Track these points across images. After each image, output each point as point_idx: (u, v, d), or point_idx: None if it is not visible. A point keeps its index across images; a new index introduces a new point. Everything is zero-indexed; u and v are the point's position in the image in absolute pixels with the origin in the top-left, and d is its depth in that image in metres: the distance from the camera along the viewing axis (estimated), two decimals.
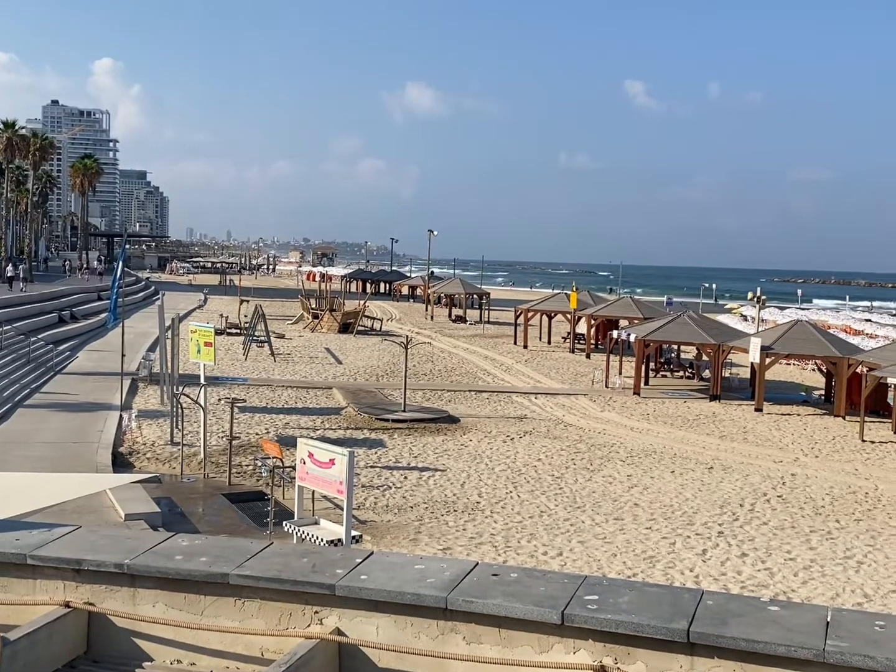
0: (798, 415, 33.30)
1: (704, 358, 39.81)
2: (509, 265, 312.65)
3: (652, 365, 41.55)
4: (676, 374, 42.64)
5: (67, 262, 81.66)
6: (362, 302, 60.99)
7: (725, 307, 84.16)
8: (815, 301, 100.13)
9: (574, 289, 52.43)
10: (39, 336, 36.66)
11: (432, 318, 68.54)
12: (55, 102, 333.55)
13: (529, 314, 51.60)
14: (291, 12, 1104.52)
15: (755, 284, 67.30)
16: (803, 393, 37.62)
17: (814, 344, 34.45)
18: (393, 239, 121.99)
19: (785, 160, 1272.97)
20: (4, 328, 33.90)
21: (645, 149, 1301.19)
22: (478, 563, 4.12)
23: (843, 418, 32.20)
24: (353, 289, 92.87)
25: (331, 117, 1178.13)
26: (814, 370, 44.40)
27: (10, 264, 58.49)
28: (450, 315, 69.84)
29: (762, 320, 54.20)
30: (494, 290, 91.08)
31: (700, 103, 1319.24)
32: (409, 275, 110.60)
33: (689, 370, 42.48)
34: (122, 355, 27.45)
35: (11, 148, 65.40)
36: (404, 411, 29.03)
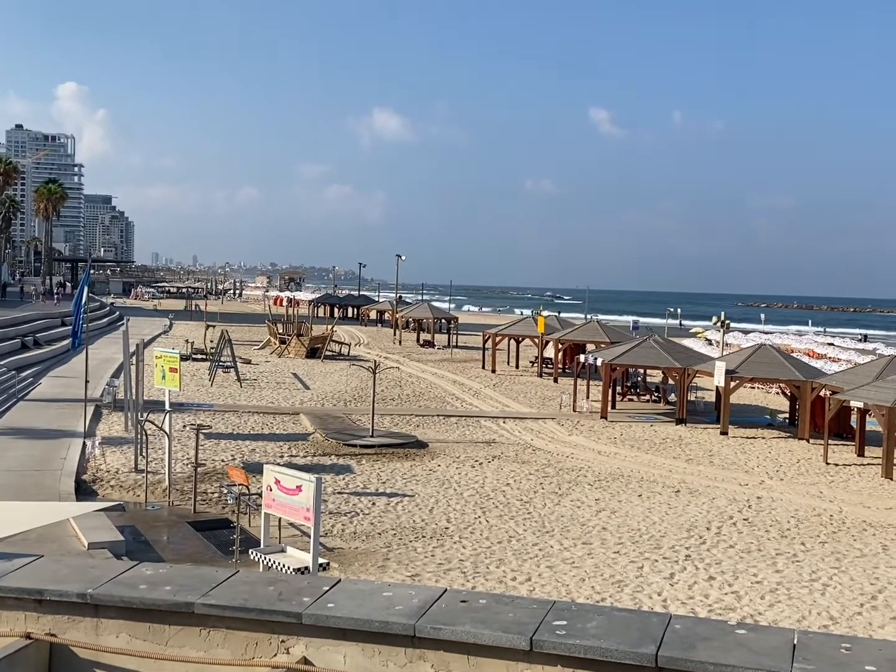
0: (763, 438, 33.59)
1: (670, 382, 40.10)
2: (477, 290, 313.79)
3: (619, 389, 41.79)
4: (643, 397, 42.91)
5: (34, 288, 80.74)
6: (330, 327, 60.83)
7: (690, 331, 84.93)
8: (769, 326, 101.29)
9: (541, 313, 52.69)
10: (2, 362, 36.12)
11: (400, 342, 68.50)
12: (19, 127, 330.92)
13: (497, 338, 51.75)
14: (259, 39, 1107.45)
15: (719, 309, 68.04)
16: (768, 416, 37.99)
17: (778, 368, 34.85)
18: (361, 263, 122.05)
19: (746, 187, 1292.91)
20: None
21: (609, 175, 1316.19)
22: (446, 590, 4.10)
23: (808, 441, 32.54)
24: (321, 314, 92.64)
25: (298, 143, 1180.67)
26: (778, 394, 44.90)
27: None
28: (418, 340, 69.86)
29: (726, 344, 54.77)
30: (462, 315, 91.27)
31: (663, 131, 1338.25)
32: (377, 299, 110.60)
33: (656, 394, 42.77)
34: (86, 381, 27.13)
35: None
36: (372, 437, 28.92)
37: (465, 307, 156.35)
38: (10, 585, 4.15)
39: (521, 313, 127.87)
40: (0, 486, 19.80)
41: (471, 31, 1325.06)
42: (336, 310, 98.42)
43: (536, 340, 50.22)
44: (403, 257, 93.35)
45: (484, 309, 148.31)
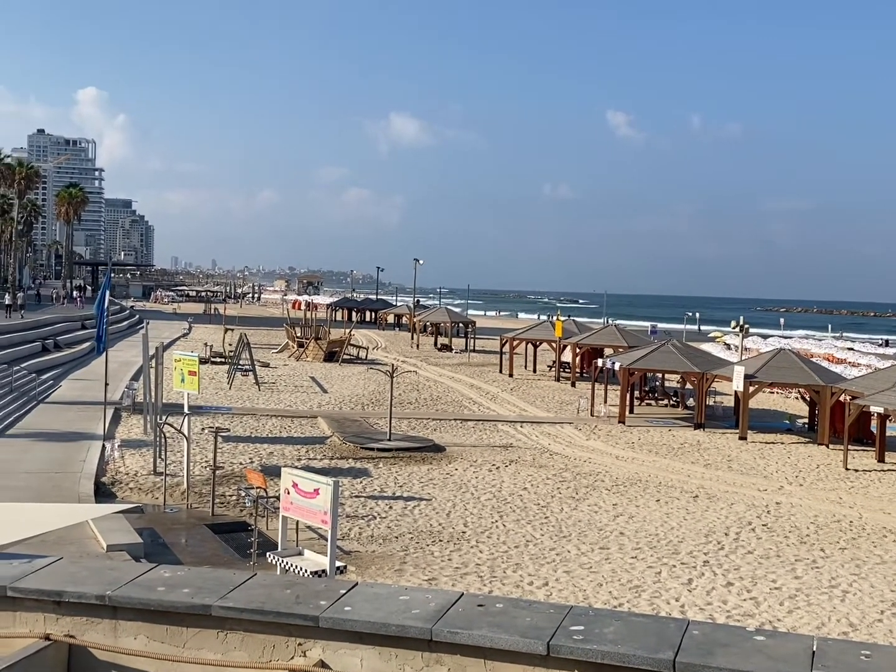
0: (782, 443, 33.38)
1: (689, 386, 39.92)
2: (494, 293, 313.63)
3: (637, 393, 41.65)
4: (661, 402, 42.74)
5: (54, 291, 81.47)
6: (348, 330, 60.96)
7: (709, 336, 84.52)
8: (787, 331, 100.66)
9: (559, 317, 52.60)
10: (22, 365, 36.41)
11: (418, 346, 68.53)
12: (41, 131, 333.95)
13: (515, 343, 51.69)
14: (277, 43, 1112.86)
15: (738, 313, 67.68)
16: (787, 421, 37.75)
17: (797, 372, 34.63)
18: (379, 267, 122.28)
19: (765, 190, 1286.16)
20: None
21: (627, 179, 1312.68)
22: (463, 594, 4.09)
23: (827, 446, 32.31)
24: (339, 317, 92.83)
25: (316, 147, 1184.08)
26: (797, 398, 44.60)
27: (7, 293, 59.16)
28: (435, 344, 69.86)
29: (745, 349, 54.48)
30: (480, 319, 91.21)
31: (681, 134, 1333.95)
32: (395, 303, 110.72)
33: (674, 398, 42.60)
34: (106, 384, 27.29)
35: None
36: (389, 440, 28.94)
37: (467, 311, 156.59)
38: (30, 587, 4.18)
39: (518, 317, 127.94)
40: (20, 487, 19.95)
41: (488, 34, 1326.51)
42: (354, 313, 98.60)
43: (554, 345, 50.13)
44: (421, 261, 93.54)
45: (488, 313, 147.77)
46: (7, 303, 55.65)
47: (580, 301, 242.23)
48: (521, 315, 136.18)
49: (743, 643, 3.58)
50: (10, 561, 4.50)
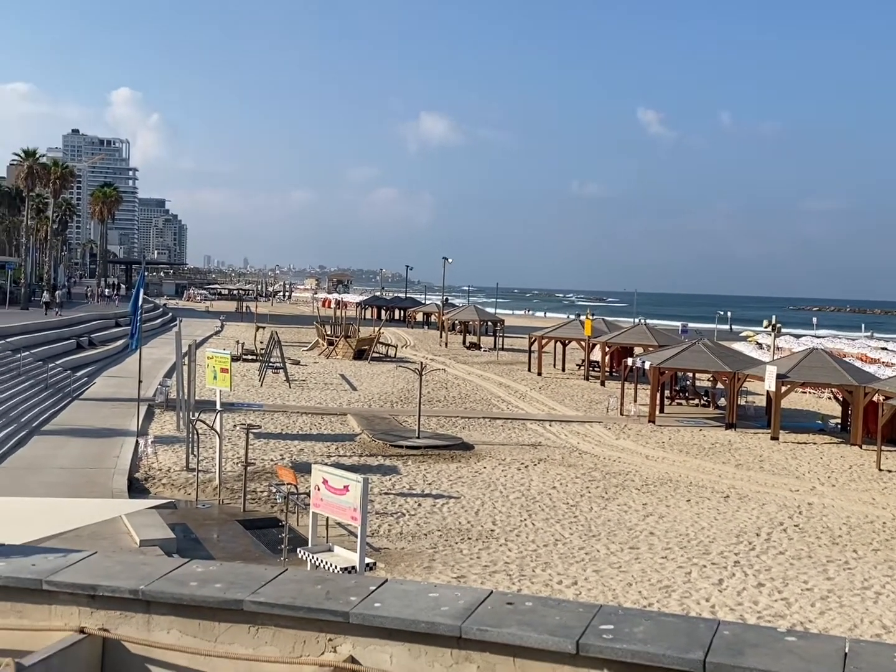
0: (814, 443, 33.05)
1: (720, 386, 39.63)
2: (523, 292, 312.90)
3: (667, 393, 41.41)
4: (692, 402, 42.47)
5: (88, 289, 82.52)
6: (377, 329, 61.14)
7: (741, 335, 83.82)
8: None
9: (588, 316, 52.41)
10: (58, 362, 36.88)
11: (447, 344, 68.58)
12: (75, 131, 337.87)
13: (544, 341, 51.57)
14: (308, 43, 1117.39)
15: (770, 312, 67.06)
16: (819, 421, 37.37)
17: (830, 372, 34.26)
18: (408, 266, 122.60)
19: (799, 189, 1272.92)
20: (23, 354, 34.12)
21: (657, 177, 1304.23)
22: (492, 592, 4.10)
23: (860, 447, 31.95)
24: (368, 315, 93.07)
25: (347, 147, 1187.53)
26: (830, 398, 44.12)
27: (46, 291, 60.41)
28: (464, 342, 69.86)
29: (778, 348, 53.95)
30: (508, 317, 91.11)
31: (713, 132, 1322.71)
32: (423, 302, 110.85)
33: (705, 398, 42.31)
34: (139, 381, 27.58)
35: (32, 176, 66.27)
36: (418, 438, 29.00)
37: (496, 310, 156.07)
38: (65, 580, 4.23)
39: (546, 315, 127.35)
40: (55, 483, 20.22)
41: (517, 32, 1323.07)
42: (383, 312, 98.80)
43: (583, 343, 49.96)
44: (450, 260, 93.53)
45: (516, 312, 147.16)
46: (46, 300, 56.85)
47: (606, 299, 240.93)
48: (549, 314, 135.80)
49: (774, 644, 3.56)
50: (45, 555, 4.57)
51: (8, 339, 36.14)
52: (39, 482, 20.23)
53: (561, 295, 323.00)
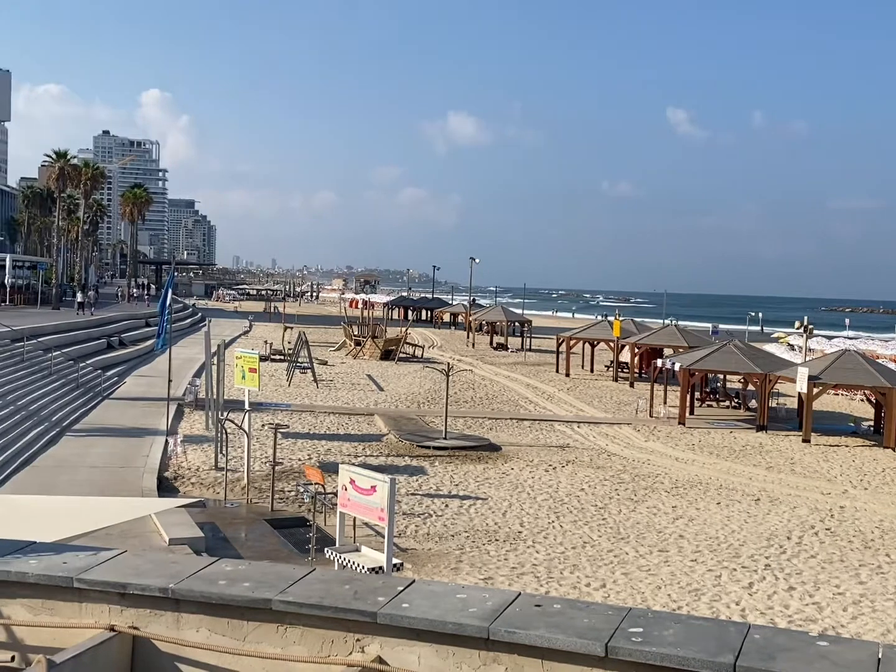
0: (847, 446, 32.68)
1: (751, 388, 39.30)
2: (551, 292, 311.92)
3: (697, 394, 41.12)
4: (722, 403, 42.14)
5: (119, 290, 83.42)
6: (404, 329, 61.22)
7: (772, 336, 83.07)
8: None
9: (617, 317, 52.17)
10: (88, 362, 37.25)
11: (473, 345, 68.53)
12: (106, 133, 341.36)
13: (572, 342, 51.39)
14: (334, 45, 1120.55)
15: (801, 313, 66.37)
16: (852, 424, 36.95)
17: (862, 374, 33.86)
18: (435, 266, 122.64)
19: (829, 188, 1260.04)
20: (55, 353, 34.50)
21: (687, 177, 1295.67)
22: (520, 594, 4.08)
23: (894, 450, 31.55)
24: (395, 316, 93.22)
25: (373, 147, 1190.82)
26: (862, 400, 43.63)
27: (79, 290, 61.61)
28: (491, 342, 69.78)
29: (809, 349, 53.42)
30: (536, 318, 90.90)
31: (743, 131, 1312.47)
32: (450, 302, 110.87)
33: (735, 400, 41.96)
34: (169, 381, 27.78)
35: (63, 177, 67.00)
36: (445, 439, 28.99)
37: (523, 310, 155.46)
38: (96, 578, 4.27)
39: (574, 316, 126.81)
40: (86, 482, 20.42)
41: (546, 31, 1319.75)
42: (410, 312, 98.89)
43: (612, 344, 49.72)
44: (477, 260, 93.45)
45: (544, 312, 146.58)
46: (79, 300, 57.91)
47: (631, 300, 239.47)
48: (577, 314, 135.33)
49: (806, 648, 3.52)
50: (76, 553, 4.61)
51: (40, 339, 36.55)
52: (70, 481, 20.43)
53: (588, 295, 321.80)
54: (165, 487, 21.44)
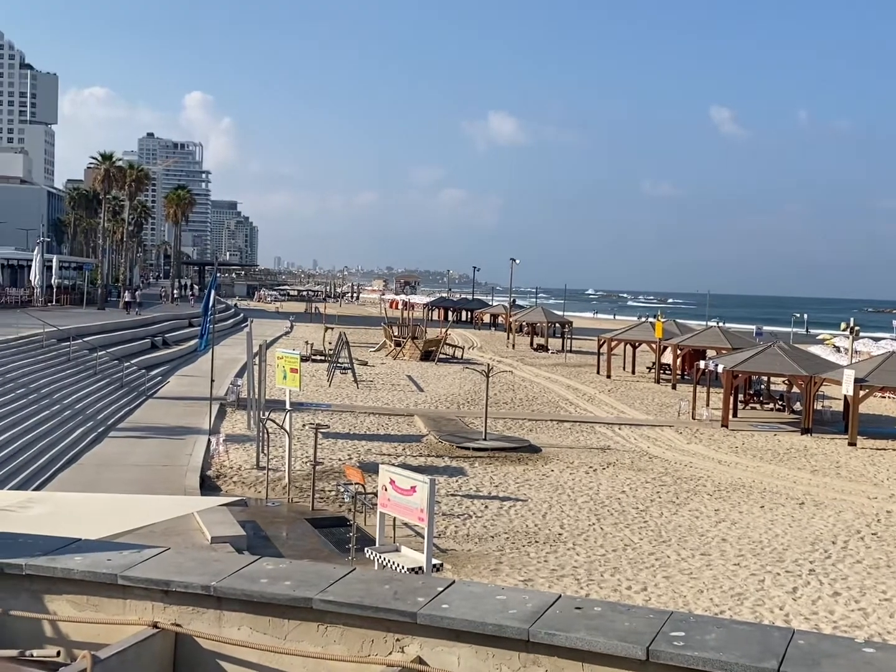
0: (894, 450, 32.11)
1: (795, 390, 38.77)
2: (592, 293, 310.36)
3: (740, 396, 40.66)
4: (766, 406, 41.63)
5: (162, 290, 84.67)
6: (444, 330, 61.24)
7: (817, 338, 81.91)
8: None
9: (659, 318, 51.75)
10: (132, 361, 37.77)
11: (514, 346, 68.40)
12: (150, 135, 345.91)
13: (613, 343, 51.08)
14: (374, 46, 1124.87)
15: (848, 314, 65.33)
16: None
17: None
18: (475, 267, 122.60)
19: (876, 187, 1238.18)
20: (100, 353, 35.03)
21: (731, 176, 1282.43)
22: (560, 596, 4.06)
23: None
24: (435, 317, 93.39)
25: (413, 148, 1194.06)
26: None
27: (126, 291, 63.38)
28: (531, 344, 69.60)
29: (856, 351, 52.57)
30: (576, 319, 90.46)
31: (789, 130, 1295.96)
32: (490, 303, 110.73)
33: (780, 402, 41.43)
34: (212, 381, 28.08)
35: (109, 179, 68.01)
36: (485, 440, 28.96)
37: (564, 311, 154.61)
38: (139, 576, 4.32)
39: (615, 317, 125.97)
40: (130, 480, 20.71)
41: (586, 32, 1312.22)
42: (450, 313, 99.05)
43: (654, 346, 49.34)
44: (517, 261, 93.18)
45: (585, 313, 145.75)
46: (127, 300, 59.67)
47: (667, 300, 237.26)
48: (618, 316, 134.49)
49: (851, 654, 3.46)
50: (120, 550, 4.66)
51: (85, 339, 37.13)
52: (114, 478, 20.74)
53: (625, 295, 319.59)
54: (208, 486, 21.67)
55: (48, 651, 4.23)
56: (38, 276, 60.16)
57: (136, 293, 63.86)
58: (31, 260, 61.42)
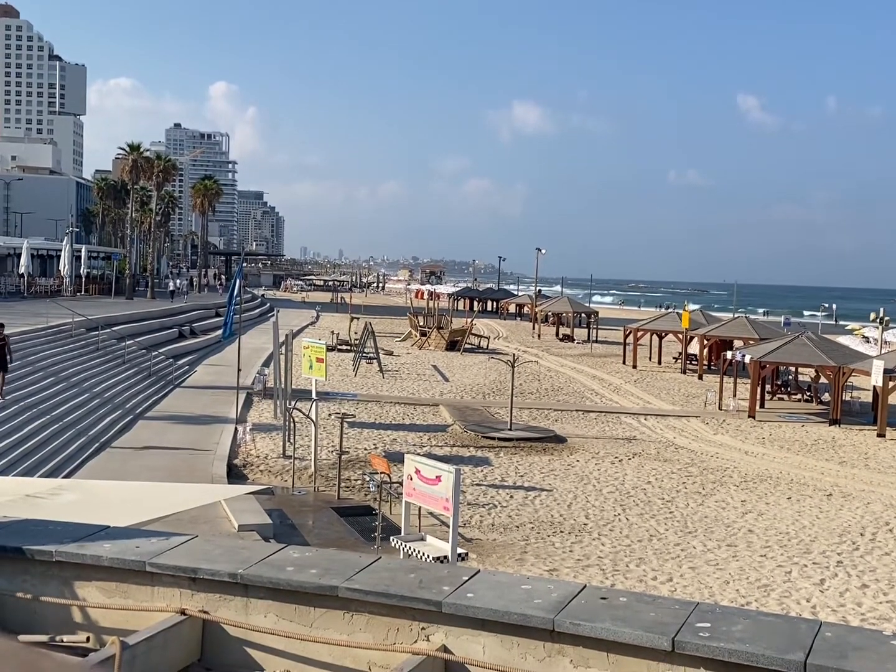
0: None
1: (823, 381, 38.42)
2: (618, 283, 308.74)
3: (768, 387, 40.35)
4: (794, 397, 41.27)
5: (191, 279, 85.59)
6: (469, 320, 61.18)
7: (846, 328, 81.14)
8: None
9: (686, 308, 51.43)
10: (160, 350, 38.06)
11: (539, 336, 68.25)
12: (177, 125, 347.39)
13: (639, 333, 50.83)
14: (398, 34, 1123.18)
15: (877, 305, 64.57)
16: None
17: None
18: (501, 257, 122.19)
19: None
20: (128, 342, 35.33)
21: (759, 165, 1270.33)
22: (585, 586, 4.06)
23: None
24: (461, 307, 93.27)
25: (438, 137, 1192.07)
26: None
27: (171, 279, 64.86)
28: (557, 334, 69.40)
29: (885, 342, 52.01)
30: (603, 309, 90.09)
31: (817, 118, 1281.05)
32: (516, 293, 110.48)
33: (808, 393, 41.08)
34: (238, 370, 28.24)
35: (136, 170, 68.31)
36: (510, 430, 28.95)
37: (608, 299, 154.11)
38: (168, 563, 4.36)
39: (640, 307, 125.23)
40: (158, 468, 20.88)
41: (611, 19, 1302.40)
42: (475, 303, 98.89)
43: (680, 336, 49.05)
44: (543, 251, 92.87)
45: (611, 303, 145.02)
46: (171, 288, 63.20)
47: (689, 289, 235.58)
48: (643, 307, 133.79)
49: (879, 647, 3.43)
50: (148, 538, 4.71)
51: (114, 328, 37.46)
52: (142, 466, 20.93)
53: (644, 286, 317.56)
54: (235, 474, 21.82)
55: (78, 637, 4.29)
56: (67, 266, 60.73)
57: (179, 282, 65.86)
58: (61, 250, 62.00)
